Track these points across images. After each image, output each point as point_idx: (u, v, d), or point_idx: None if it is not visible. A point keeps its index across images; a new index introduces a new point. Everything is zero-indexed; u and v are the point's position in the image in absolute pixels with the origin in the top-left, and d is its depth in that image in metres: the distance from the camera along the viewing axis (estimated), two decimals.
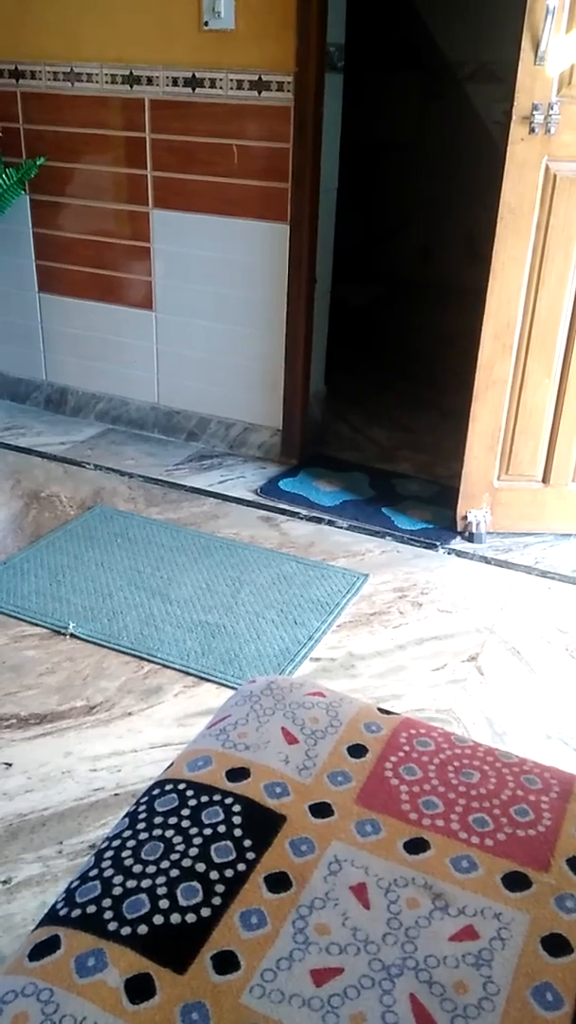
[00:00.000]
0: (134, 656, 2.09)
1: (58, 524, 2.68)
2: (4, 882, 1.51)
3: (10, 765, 1.76)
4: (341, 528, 2.72)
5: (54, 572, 2.41)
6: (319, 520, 2.76)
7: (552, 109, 2.20)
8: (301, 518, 2.77)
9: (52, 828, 1.62)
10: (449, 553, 2.60)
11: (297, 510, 2.81)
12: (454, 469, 2.70)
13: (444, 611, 2.32)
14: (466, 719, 1.93)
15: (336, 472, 3.07)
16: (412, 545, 2.63)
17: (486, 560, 2.57)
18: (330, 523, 2.74)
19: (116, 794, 1.70)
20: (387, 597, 2.37)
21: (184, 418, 3.28)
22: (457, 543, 2.65)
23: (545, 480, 2.60)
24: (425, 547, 2.62)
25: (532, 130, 2.22)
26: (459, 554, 2.60)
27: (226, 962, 0.83)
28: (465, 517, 2.65)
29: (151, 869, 0.92)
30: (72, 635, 2.16)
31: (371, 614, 2.29)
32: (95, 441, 3.29)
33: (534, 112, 2.20)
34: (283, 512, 2.81)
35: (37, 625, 2.19)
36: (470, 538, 2.65)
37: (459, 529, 2.67)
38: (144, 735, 1.85)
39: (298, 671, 2.06)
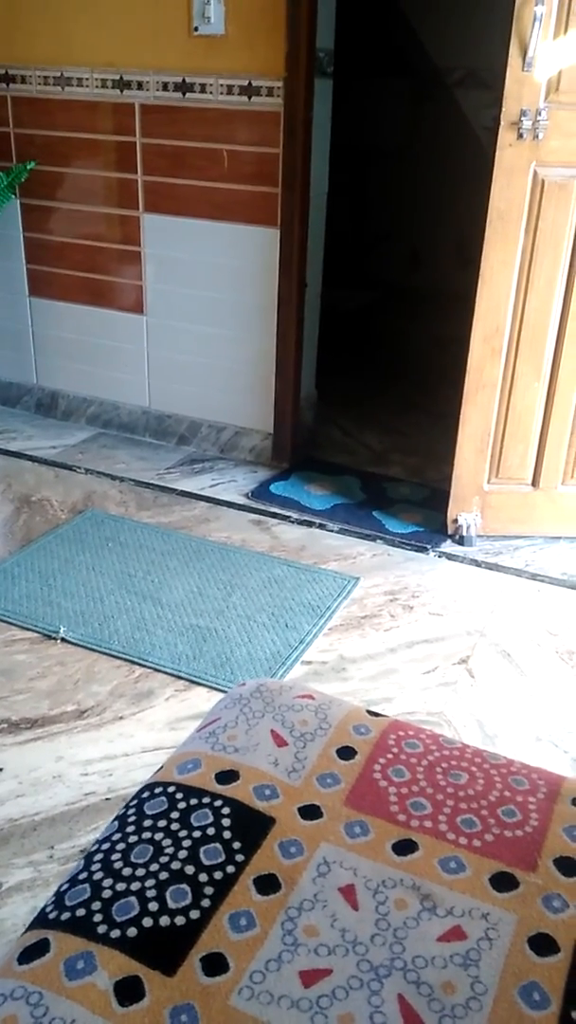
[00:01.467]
0: (125, 660, 2.09)
1: (49, 528, 2.68)
2: None
3: (1, 770, 1.76)
4: (332, 531, 2.72)
5: (45, 576, 2.41)
6: (310, 523, 2.76)
7: (540, 115, 2.21)
8: (292, 522, 2.78)
9: (43, 833, 1.62)
10: (440, 556, 2.61)
11: (288, 514, 2.82)
12: (445, 472, 2.71)
13: (435, 614, 2.33)
14: (457, 722, 1.93)
15: (327, 476, 3.08)
16: (403, 548, 2.64)
17: (476, 563, 2.58)
18: (321, 526, 2.75)
19: (107, 798, 1.70)
20: (378, 600, 2.37)
21: (175, 422, 3.29)
22: (448, 546, 2.65)
23: (535, 483, 2.61)
24: (416, 550, 2.63)
25: (520, 136, 2.23)
26: (450, 557, 2.61)
27: (215, 964, 0.83)
28: (455, 520, 2.66)
29: (140, 872, 0.93)
30: (63, 639, 2.16)
31: (362, 617, 2.30)
32: (86, 445, 3.29)
33: (522, 118, 2.21)
34: (274, 516, 2.81)
35: (28, 629, 2.19)
36: (460, 541, 2.66)
37: (449, 532, 2.68)
38: (135, 739, 1.85)
39: (289, 674, 2.07)
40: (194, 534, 2.67)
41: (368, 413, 3.67)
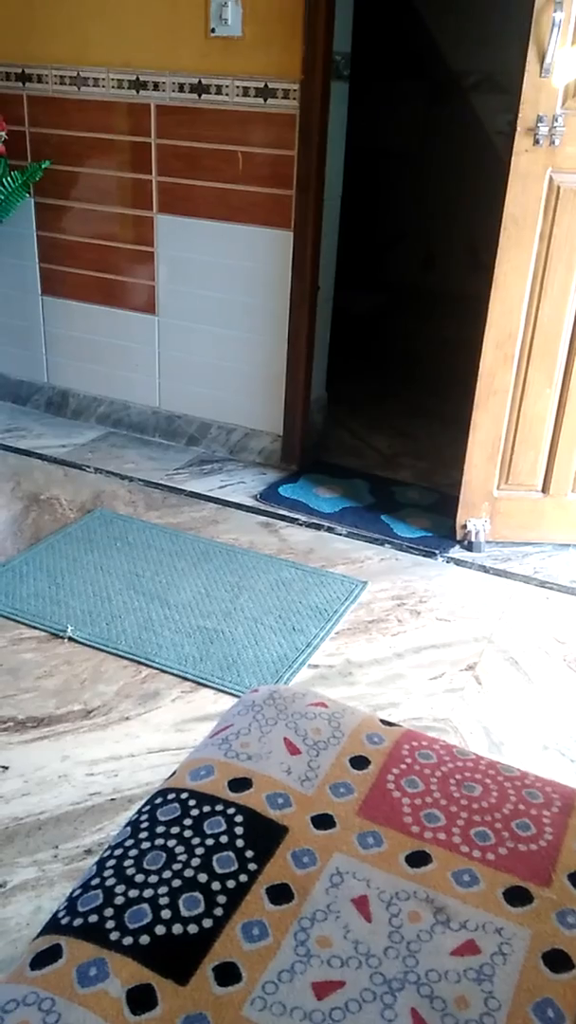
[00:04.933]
0: (132, 660, 2.09)
1: (58, 527, 2.68)
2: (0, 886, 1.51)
3: (7, 768, 1.76)
4: (340, 535, 2.72)
5: (53, 575, 2.41)
6: (318, 527, 2.76)
7: (557, 121, 2.20)
8: (300, 524, 2.77)
9: (48, 832, 1.62)
10: (448, 562, 2.60)
11: (297, 516, 2.81)
12: (454, 477, 2.71)
13: (442, 620, 2.32)
14: (463, 728, 1.93)
15: (336, 479, 3.08)
16: (411, 553, 2.64)
17: (485, 569, 2.57)
18: (329, 530, 2.74)
19: (113, 799, 1.70)
20: (385, 605, 2.37)
21: (185, 423, 3.28)
22: (456, 552, 2.65)
23: (545, 490, 2.60)
24: (424, 555, 2.63)
25: (536, 142, 2.23)
26: (458, 563, 2.60)
27: (228, 974, 0.83)
28: (464, 526, 2.66)
29: (153, 879, 0.92)
30: (70, 639, 2.15)
31: (369, 622, 2.29)
32: (96, 444, 3.29)
33: (539, 124, 2.21)
34: (283, 518, 2.81)
35: (35, 628, 2.19)
36: (469, 547, 2.66)
37: (458, 538, 2.68)
38: (141, 740, 1.85)
39: (296, 678, 2.06)
40: (202, 535, 2.67)
41: (378, 416, 3.66)
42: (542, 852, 0.96)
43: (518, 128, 2.23)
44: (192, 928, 0.87)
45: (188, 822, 0.99)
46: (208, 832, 0.97)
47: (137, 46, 2.84)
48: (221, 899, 0.90)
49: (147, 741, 1.85)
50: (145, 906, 0.89)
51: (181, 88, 2.83)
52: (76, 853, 1.58)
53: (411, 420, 3.65)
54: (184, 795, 1.03)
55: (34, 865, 1.55)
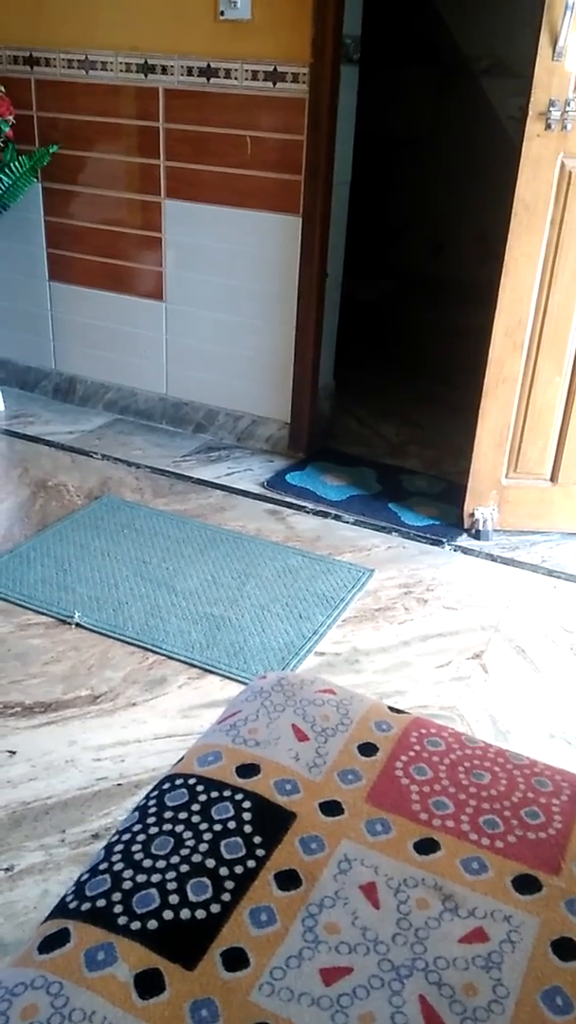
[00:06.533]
0: (139, 647, 2.09)
1: (65, 513, 2.68)
2: (7, 870, 1.52)
3: (14, 753, 1.76)
4: (347, 523, 2.71)
5: (60, 561, 2.41)
6: (326, 514, 2.75)
7: (569, 106, 2.18)
8: (308, 512, 2.77)
9: (55, 816, 1.63)
10: (455, 550, 2.60)
11: (304, 504, 2.81)
12: (462, 466, 2.69)
13: (449, 608, 2.32)
14: (470, 717, 1.93)
15: (343, 467, 3.07)
16: (418, 541, 2.63)
17: (492, 558, 2.57)
18: (336, 517, 2.74)
19: (119, 784, 1.70)
20: (392, 593, 2.37)
21: (192, 410, 3.28)
22: (463, 540, 2.64)
23: (553, 479, 2.59)
24: (431, 543, 2.62)
25: (548, 126, 2.20)
26: (465, 551, 2.59)
27: (235, 959, 0.83)
28: (472, 514, 2.65)
29: (161, 864, 0.92)
30: (78, 624, 2.16)
31: (376, 610, 2.29)
32: (103, 431, 3.28)
33: (551, 108, 2.18)
34: (290, 506, 2.80)
35: (43, 614, 2.19)
36: (477, 535, 2.65)
37: (466, 526, 2.67)
38: (148, 726, 1.86)
39: (302, 665, 2.06)
40: (209, 522, 2.67)
41: (386, 404, 3.65)
42: (551, 840, 0.96)
43: (529, 113, 2.20)
44: (200, 913, 0.87)
45: (196, 807, 0.99)
46: (216, 818, 0.97)
47: (145, 29, 2.82)
48: (229, 884, 0.90)
49: (154, 727, 1.85)
50: (153, 891, 0.89)
51: (190, 72, 2.81)
52: (83, 837, 1.58)
53: (419, 408, 3.63)
54: (192, 780, 1.03)
55: (41, 849, 1.56)
